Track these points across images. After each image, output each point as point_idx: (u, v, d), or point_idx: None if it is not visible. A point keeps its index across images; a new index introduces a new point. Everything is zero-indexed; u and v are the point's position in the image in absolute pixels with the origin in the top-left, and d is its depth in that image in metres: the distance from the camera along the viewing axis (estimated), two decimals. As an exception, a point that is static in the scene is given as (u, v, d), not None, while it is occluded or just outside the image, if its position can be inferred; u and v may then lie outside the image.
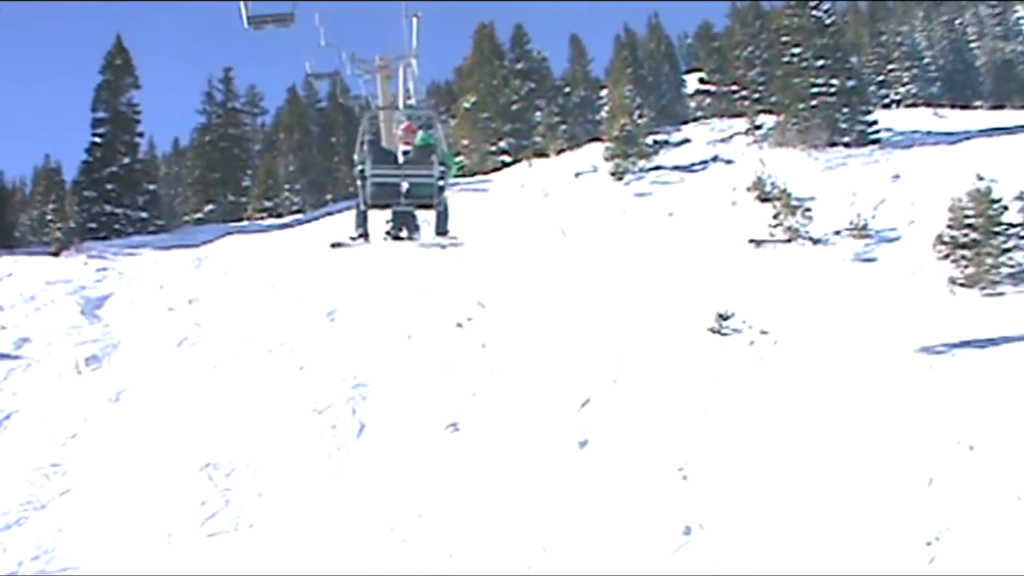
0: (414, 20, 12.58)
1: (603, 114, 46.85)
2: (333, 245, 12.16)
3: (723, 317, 17.27)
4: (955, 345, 15.33)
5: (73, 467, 14.05)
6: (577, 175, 34.65)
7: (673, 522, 11.00)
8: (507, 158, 43.30)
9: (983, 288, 18.27)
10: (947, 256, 19.02)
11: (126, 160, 38.46)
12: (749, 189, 26.84)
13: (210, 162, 45.88)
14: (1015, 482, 10.66)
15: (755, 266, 21.52)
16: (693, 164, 33.46)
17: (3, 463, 14.11)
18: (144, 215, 37.91)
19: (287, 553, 11.42)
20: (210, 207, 44.30)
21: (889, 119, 37.49)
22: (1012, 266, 18.48)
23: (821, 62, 35.74)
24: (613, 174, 33.05)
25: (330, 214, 34.20)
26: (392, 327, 19.18)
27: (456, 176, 19.30)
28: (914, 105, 48.38)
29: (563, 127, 45.79)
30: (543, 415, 14.41)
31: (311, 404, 15.53)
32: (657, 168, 33.28)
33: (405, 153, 11.78)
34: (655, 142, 34.93)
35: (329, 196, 45.24)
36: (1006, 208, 19.15)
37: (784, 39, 37.78)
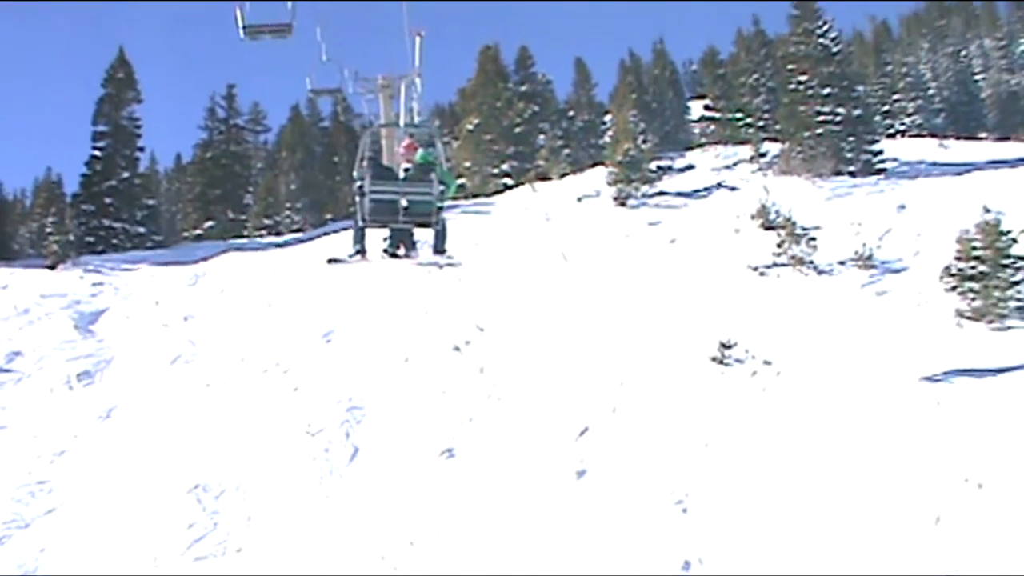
0: (417, 39, 12.49)
1: (607, 139, 46.75)
2: (330, 261, 12.16)
3: (725, 346, 17.00)
4: (962, 379, 15.05)
5: (60, 485, 13.73)
6: (580, 199, 34.54)
7: (671, 556, 10.67)
8: (509, 181, 43.20)
9: (990, 321, 18.01)
10: (954, 288, 18.76)
11: (126, 174, 38.42)
12: (753, 217, 26.68)
13: (211, 179, 45.71)
14: (1026, 523, 10.36)
15: (758, 295, 21.28)
16: (697, 190, 33.34)
17: (-12, 480, 13.80)
18: (142, 230, 37.83)
19: (274, 580, 11.10)
20: (210, 224, 44.08)
21: (894, 149, 37.41)
22: (1020, 299, 18.21)
23: (827, 90, 35.74)
24: (616, 199, 32.92)
25: (327, 234, 34.07)
26: (389, 349, 18.91)
27: (456, 197, 19.14)
28: (919, 136, 48.33)
29: (566, 151, 45.74)
30: (540, 443, 14.11)
31: (304, 426, 15.23)
32: (660, 194, 33.17)
33: (406, 171, 11.63)
34: (659, 168, 34.85)
35: (329, 216, 45.07)
36: (1015, 240, 18.89)
37: (791, 67, 37.79)
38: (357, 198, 11.12)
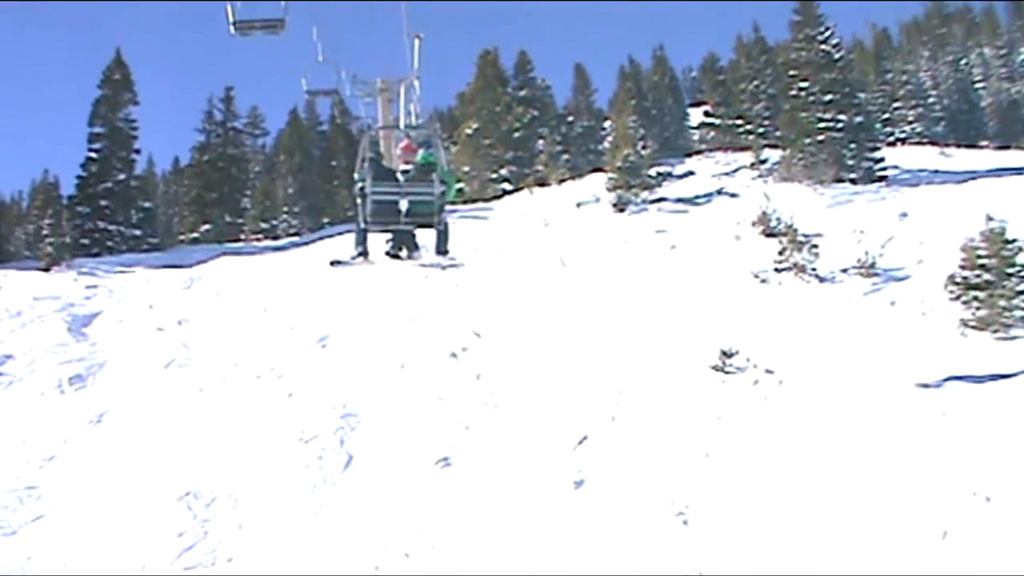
0: (416, 41, 12.32)
1: (606, 144, 46.70)
2: (333, 263, 12.12)
3: (726, 354, 16.76)
4: (967, 389, 14.82)
5: (49, 491, 13.50)
6: (579, 205, 34.39)
7: (671, 569, 10.44)
8: (508, 186, 43.12)
9: (995, 331, 17.76)
10: (959, 297, 18.53)
11: (122, 176, 38.24)
12: (754, 224, 26.50)
13: (208, 182, 45.47)
14: (1036, 538, 10.12)
15: (759, 303, 21.06)
16: (697, 197, 33.19)
17: (-25, 486, 13.57)
18: (138, 233, 37.63)
19: (265, 591, 10.87)
20: (206, 227, 43.87)
21: (895, 157, 37.26)
22: (1026, 309, 18.01)
23: (829, 97, 35.58)
24: (615, 205, 32.77)
25: (322, 238, 33.91)
26: (385, 355, 18.69)
27: (456, 200, 18.97)
28: (919, 143, 48.23)
29: (565, 156, 45.61)
30: (538, 452, 13.87)
31: (298, 433, 14.99)
32: (660, 200, 33.02)
33: (405, 172, 11.47)
34: (658, 174, 34.75)
35: (326, 220, 44.90)
36: (1021, 249, 18.66)
37: (791, 73, 37.66)
38: (358, 200, 11.06)
